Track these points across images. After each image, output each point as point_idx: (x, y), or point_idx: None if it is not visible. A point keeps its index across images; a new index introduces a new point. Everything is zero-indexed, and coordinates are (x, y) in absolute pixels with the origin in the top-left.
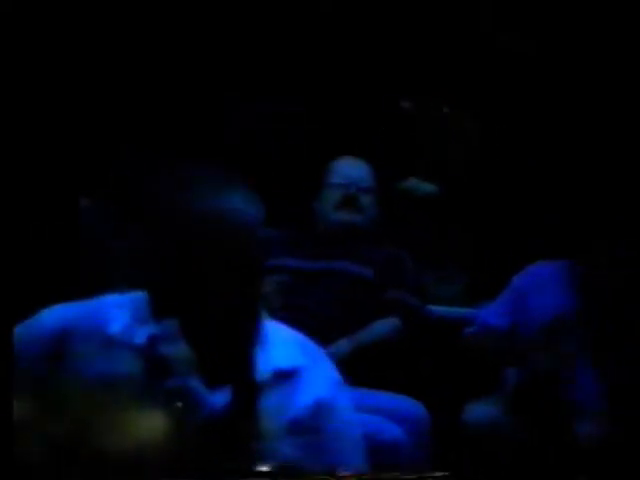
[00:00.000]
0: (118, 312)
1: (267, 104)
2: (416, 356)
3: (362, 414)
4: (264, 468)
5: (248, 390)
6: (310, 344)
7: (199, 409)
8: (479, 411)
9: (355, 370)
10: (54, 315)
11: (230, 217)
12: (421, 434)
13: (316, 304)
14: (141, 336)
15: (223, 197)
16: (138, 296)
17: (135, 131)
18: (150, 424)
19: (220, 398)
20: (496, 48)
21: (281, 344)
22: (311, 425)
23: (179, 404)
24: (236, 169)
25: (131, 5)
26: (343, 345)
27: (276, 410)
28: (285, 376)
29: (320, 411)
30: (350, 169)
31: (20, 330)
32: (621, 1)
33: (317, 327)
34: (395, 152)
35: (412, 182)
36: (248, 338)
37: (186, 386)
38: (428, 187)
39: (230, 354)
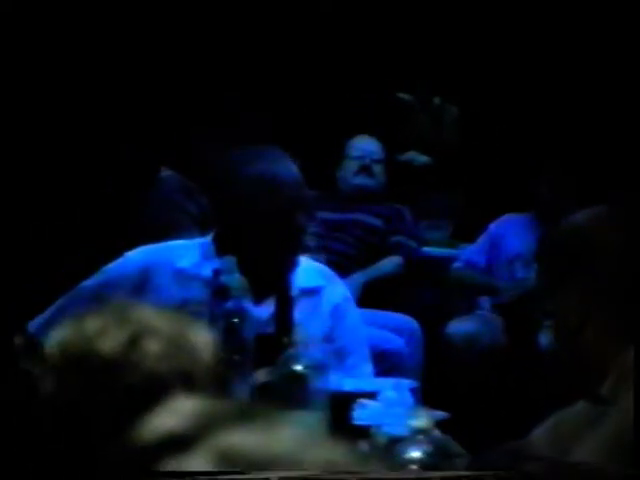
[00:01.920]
0: (187, 252)
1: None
2: (413, 285)
3: (371, 328)
4: (299, 367)
5: (284, 304)
6: (327, 269)
7: (250, 322)
8: (459, 326)
9: (367, 295)
10: (138, 254)
11: (278, 178)
12: (416, 344)
13: (339, 246)
14: (207, 270)
15: (274, 164)
16: (204, 241)
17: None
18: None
19: (264, 312)
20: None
21: (305, 270)
22: (330, 331)
23: (235, 320)
24: (281, 148)
25: None
26: (359, 277)
27: (303, 320)
28: (308, 293)
29: (336, 316)
30: (365, 144)
31: (109, 268)
32: None
33: (340, 262)
34: (398, 131)
35: (411, 154)
36: (285, 268)
37: (240, 306)
38: (423, 158)
39: (271, 280)
